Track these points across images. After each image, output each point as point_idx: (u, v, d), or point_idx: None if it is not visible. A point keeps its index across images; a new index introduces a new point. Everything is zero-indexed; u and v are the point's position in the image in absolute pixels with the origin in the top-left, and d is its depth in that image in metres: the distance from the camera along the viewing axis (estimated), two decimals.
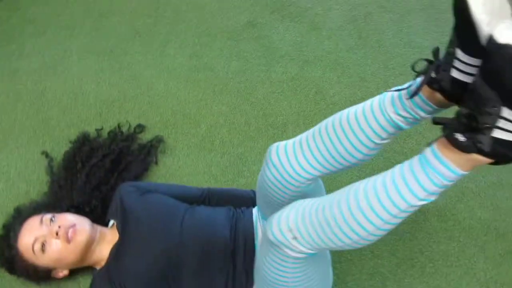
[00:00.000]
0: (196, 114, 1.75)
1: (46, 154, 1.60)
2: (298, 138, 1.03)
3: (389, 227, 0.84)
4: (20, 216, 1.30)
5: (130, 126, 1.69)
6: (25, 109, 1.76)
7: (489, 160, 0.76)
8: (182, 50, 1.96)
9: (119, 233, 1.27)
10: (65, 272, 1.30)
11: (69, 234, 1.22)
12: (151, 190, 1.38)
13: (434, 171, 0.79)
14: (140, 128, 1.70)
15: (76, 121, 1.72)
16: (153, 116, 1.75)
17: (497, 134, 0.73)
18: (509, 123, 0.71)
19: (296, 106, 1.78)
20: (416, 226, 1.47)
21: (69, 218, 1.27)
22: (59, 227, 1.22)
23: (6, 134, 1.69)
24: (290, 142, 1.04)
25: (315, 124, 1.02)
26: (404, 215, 0.84)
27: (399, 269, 1.39)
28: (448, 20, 0.78)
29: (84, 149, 1.56)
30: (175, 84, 1.85)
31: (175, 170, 1.61)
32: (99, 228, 1.32)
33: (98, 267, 1.29)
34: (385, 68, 1.91)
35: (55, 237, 1.22)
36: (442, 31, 2.01)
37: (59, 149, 1.61)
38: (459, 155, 0.77)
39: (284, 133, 1.68)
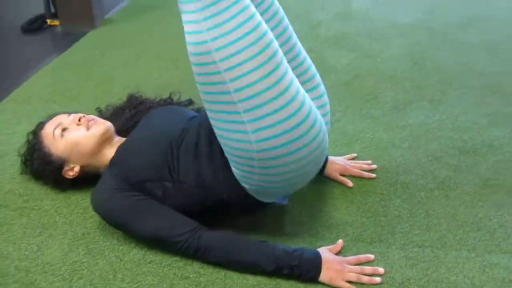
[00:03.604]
0: None
1: (99, 110, 1.69)
2: None
3: None
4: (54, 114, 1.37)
5: (180, 97, 1.76)
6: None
7: None
8: None
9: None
10: (76, 170, 1.29)
11: (90, 123, 1.28)
12: None
13: None
14: (189, 102, 1.75)
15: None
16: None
17: None
18: None
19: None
20: None
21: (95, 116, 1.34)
22: (83, 116, 1.29)
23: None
24: None
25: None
26: None
27: None
28: None
29: (134, 102, 1.63)
30: None
31: None
32: (119, 137, 1.35)
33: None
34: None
35: (77, 123, 1.27)
36: None
37: None
38: None
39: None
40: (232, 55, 0.95)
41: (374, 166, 1.44)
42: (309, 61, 1.19)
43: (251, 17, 0.95)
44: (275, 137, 0.98)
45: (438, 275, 1.10)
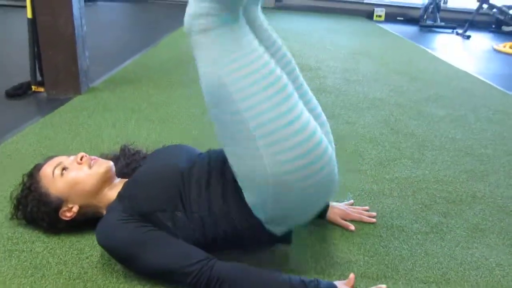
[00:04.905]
0: None
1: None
2: None
3: None
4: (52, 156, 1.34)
5: None
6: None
7: None
8: None
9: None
10: (74, 210, 1.25)
11: (91, 162, 1.27)
12: None
13: None
14: None
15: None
16: None
17: None
18: None
19: None
20: None
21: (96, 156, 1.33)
22: (85, 155, 1.28)
23: None
24: None
25: None
26: None
27: None
28: None
29: (127, 153, 1.62)
30: None
31: None
32: (120, 178, 1.33)
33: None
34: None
35: (78, 162, 1.26)
36: None
37: None
38: None
39: None
40: (246, 87, 1.00)
41: (374, 213, 1.47)
42: (312, 95, 1.27)
43: (260, 57, 1.03)
44: (290, 161, 1.01)
45: None
